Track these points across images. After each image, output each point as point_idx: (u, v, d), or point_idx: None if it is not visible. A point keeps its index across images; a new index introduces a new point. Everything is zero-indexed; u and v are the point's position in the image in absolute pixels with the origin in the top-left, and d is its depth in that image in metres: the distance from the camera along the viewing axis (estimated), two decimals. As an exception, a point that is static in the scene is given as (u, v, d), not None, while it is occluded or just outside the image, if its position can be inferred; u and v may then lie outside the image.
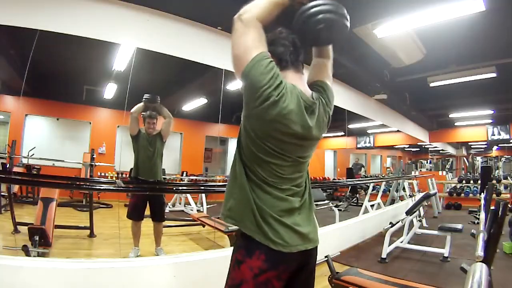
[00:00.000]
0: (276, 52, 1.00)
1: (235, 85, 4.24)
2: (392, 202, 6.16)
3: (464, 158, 13.59)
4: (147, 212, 3.06)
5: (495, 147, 13.43)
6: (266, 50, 0.93)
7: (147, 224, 3.14)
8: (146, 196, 3.00)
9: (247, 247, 0.95)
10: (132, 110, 2.99)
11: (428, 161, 13.93)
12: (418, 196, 5.56)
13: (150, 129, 3.06)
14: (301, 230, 0.97)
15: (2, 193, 4.02)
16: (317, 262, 1.08)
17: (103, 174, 6.10)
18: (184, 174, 6.89)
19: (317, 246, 1.03)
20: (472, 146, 13.62)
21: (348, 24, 0.99)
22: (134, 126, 3.00)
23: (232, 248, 1.05)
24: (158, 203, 3.07)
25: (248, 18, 0.91)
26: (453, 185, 8.50)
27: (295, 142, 0.97)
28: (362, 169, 11.47)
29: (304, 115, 0.97)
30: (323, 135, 1.09)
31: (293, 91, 0.95)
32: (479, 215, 3.24)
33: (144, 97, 3.07)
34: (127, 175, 4.14)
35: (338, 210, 4.89)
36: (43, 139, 6.34)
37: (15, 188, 4.50)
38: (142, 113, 3.11)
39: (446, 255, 3.37)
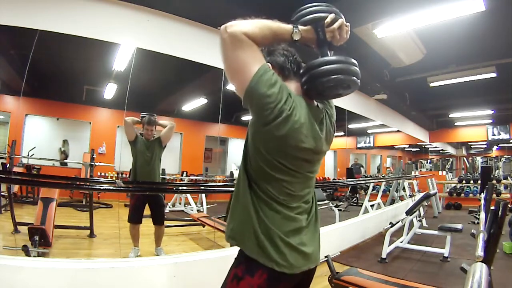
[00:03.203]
0: (276, 61, 0.97)
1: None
2: (392, 202, 6.15)
3: (464, 158, 13.60)
4: (147, 212, 3.05)
5: (495, 147, 13.42)
6: (265, 62, 0.88)
7: (147, 224, 3.14)
8: (146, 198, 2.98)
9: (248, 265, 0.91)
10: (127, 118, 2.97)
11: (428, 161, 13.95)
12: (418, 196, 5.57)
13: (148, 135, 3.04)
14: (306, 251, 0.95)
15: (2, 193, 4.02)
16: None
17: (103, 174, 6.11)
18: (184, 174, 6.90)
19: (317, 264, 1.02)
20: (472, 146, 13.61)
21: (358, 81, 0.93)
22: (130, 132, 2.98)
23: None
24: (157, 205, 3.05)
25: (235, 31, 0.83)
26: (453, 185, 8.51)
27: (306, 156, 0.94)
28: (362, 169, 11.46)
29: (315, 126, 0.94)
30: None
31: (301, 103, 0.91)
32: (479, 215, 3.23)
33: (141, 115, 3.06)
34: (127, 175, 4.14)
35: (338, 210, 4.89)
36: (43, 139, 6.33)
37: (15, 188, 4.50)
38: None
39: (446, 255, 3.37)
